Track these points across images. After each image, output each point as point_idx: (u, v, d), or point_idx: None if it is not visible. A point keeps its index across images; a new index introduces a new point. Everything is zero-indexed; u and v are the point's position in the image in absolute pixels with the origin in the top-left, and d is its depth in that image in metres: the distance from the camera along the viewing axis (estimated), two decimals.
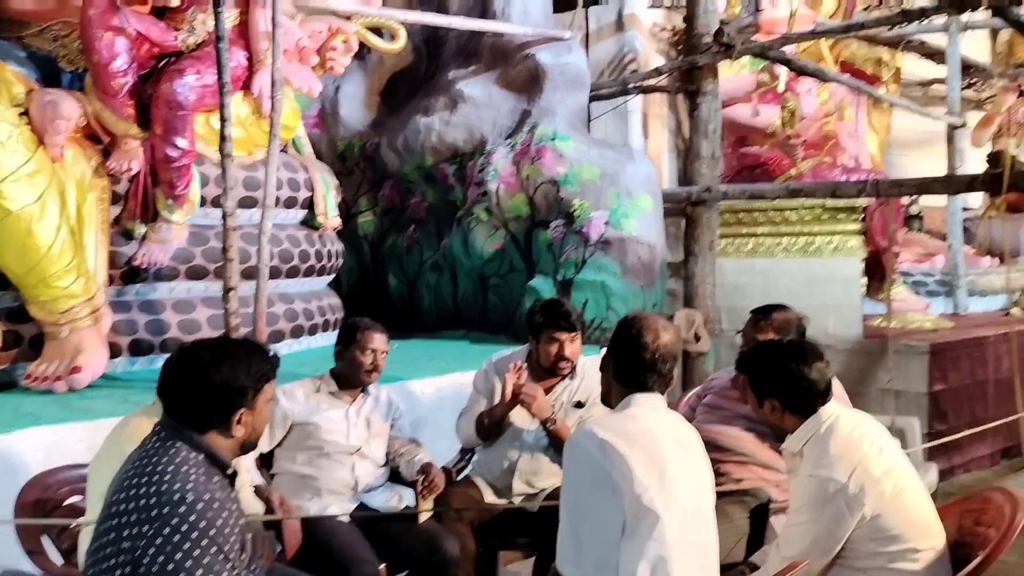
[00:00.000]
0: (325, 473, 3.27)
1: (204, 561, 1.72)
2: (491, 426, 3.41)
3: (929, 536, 2.33)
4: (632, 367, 2.14)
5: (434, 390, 4.24)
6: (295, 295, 5.07)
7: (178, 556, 1.70)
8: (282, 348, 4.92)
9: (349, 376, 3.35)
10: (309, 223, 5.24)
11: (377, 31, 5.62)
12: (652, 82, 6.46)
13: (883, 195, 5.45)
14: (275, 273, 4.91)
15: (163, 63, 4.57)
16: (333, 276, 5.63)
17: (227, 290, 4.14)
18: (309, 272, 5.18)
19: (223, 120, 4.13)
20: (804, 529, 2.32)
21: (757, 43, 5.71)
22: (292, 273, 5.04)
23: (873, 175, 6.88)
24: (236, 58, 4.57)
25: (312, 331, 5.11)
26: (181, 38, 4.64)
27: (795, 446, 2.44)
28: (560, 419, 3.34)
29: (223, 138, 4.14)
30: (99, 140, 4.32)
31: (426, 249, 6.40)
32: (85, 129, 4.27)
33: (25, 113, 3.97)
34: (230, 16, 4.73)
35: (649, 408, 2.11)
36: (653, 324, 2.17)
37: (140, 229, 4.37)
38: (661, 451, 2.01)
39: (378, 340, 3.32)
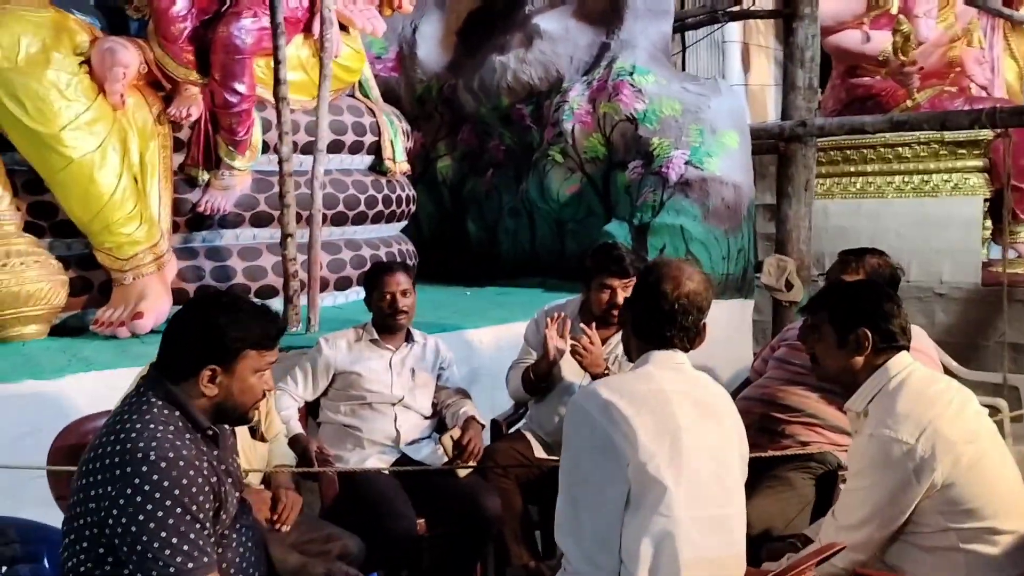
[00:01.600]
0: (367, 424, 3.20)
1: (169, 522, 1.64)
2: (537, 380, 3.25)
3: (1014, 516, 2.02)
4: (650, 320, 1.92)
5: (492, 340, 4.09)
6: (362, 241, 5.00)
7: (140, 517, 1.63)
8: (350, 295, 4.88)
9: (380, 322, 3.25)
10: (377, 168, 5.14)
11: None
12: (746, 6, 5.97)
13: (1001, 125, 4.87)
14: (340, 219, 4.86)
15: (225, 6, 4.51)
16: (405, 222, 5.53)
17: (284, 236, 4.11)
18: (377, 218, 5.10)
19: (277, 63, 4.06)
20: (863, 495, 2.06)
21: None
22: (359, 219, 4.96)
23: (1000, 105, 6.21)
24: None
25: None
26: None
27: (860, 404, 2.17)
28: (614, 372, 3.14)
29: (277, 81, 4.07)
30: (161, 87, 4.31)
31: (504, 194, 6.22)
32: (147, 76, 4.25)
33: (87, 62, 3.98)
34: None
35: (667, 366, 1.88)
36: (675, 271, 1.93)
37: (203, 176, 4.35)
38: (674, 414, 1.79)
39: (395, 282, 3.20)
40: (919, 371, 2.14)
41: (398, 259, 5.20)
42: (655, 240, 5.03)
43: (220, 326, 1.80)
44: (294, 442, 3.03)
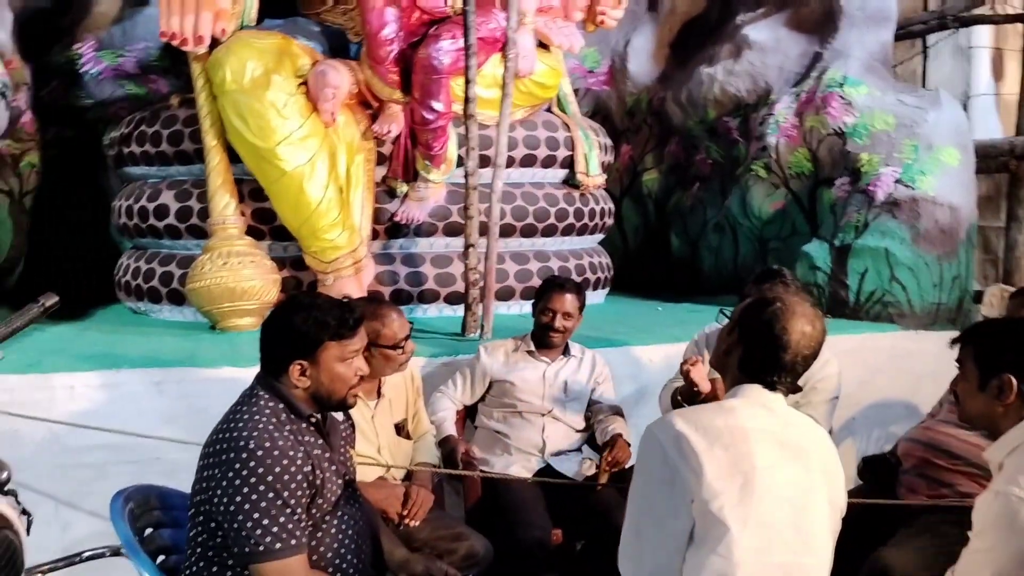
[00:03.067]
0: (516, 432, 3.31)
1: (261, 505, 1.83)
2: (686, 403, 3.18)
3: None
4: (763, 361, 1.83)
5: (662, 358, 4.03)
6: (551, 253, 5.12)
7: (238, 499, 1.84)
8: None
9: (538, 334, 3.33)
10: (570, 182, 5.24)
11: None
12: (981, 10, 5.40)
13: None
14: (529, 231, 5.01)
15: (433, 28, 4.82)
16: (601, 235, 5.58)
17: (467, 246, 4.32)
18: (568, 231, 5.19)
19: (467, 82, 4.28)
20: (983, 559, 1.86)
21: None
22: (549, 231, 5.09)
23: None
24: (496, 20, 4.64)
25: None
26: (450, 3, 4.83)
27: (998, 456, 1.96)
28: None
29: (467, 100, 4.29)
30: (369, 105, 4.69)
31: (709, 208, 6.09)
32: (358, 96, 4.66)
33: (305, 83, 4.44)
34: None
35: (755, 402, 1.80)
36: (800, 316, 1.83)
37: (402, 188, 4.69)
38: (751, 453, 1.71)
39: (561, 301, 3.26)
40: None
41: (589, 271, 5.27)
42: (856, 263, 4.70)
43: (297, 324, 1.98)
44: (444, 443, 3.20)
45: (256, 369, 3.49)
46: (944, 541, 2.47)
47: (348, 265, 4.43)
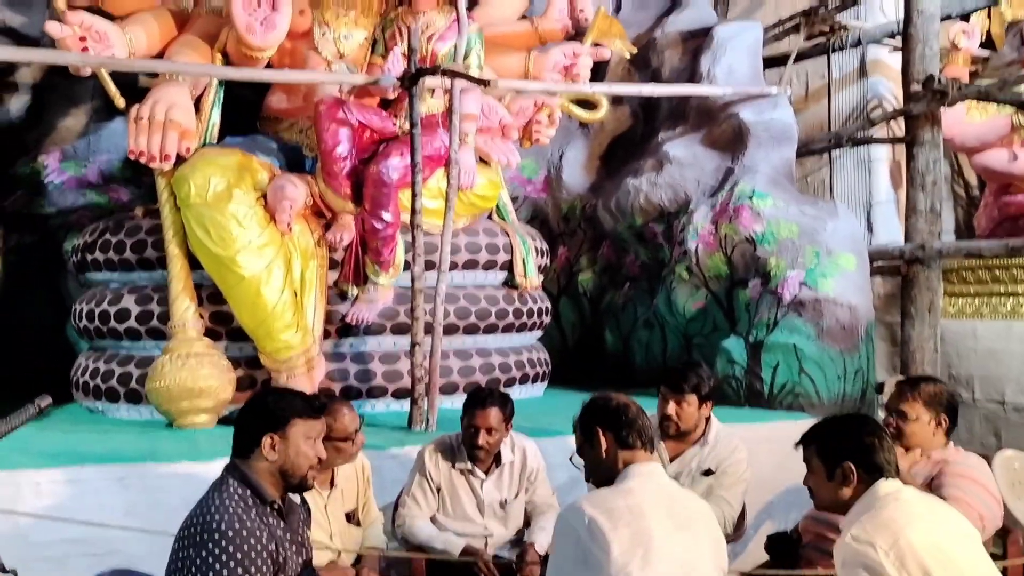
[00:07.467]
0: (460, 530, 3.52)
1: None
2: None
3: None
4: (620, 433, 2.26)
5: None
6: (493, 349, 5.48)
7: (211, 574, 2.11)
8: None
9: (467, 448, 3.47)
10: (509, 283, 5.65)
11: (583, 102, 5.94)
12: (871, 132, 6.09)
13: None
14: (472, 329, 5.38)
15: (383, 146, 5.27)
16: (539, 332, 5.97)
17: (413, 344, 4.67)
18: (508, 328, 5.58)
19: (414, 196, 4.71)
20: None
21: (974, 87, 5.19)
22: (490, 329, 5.46)
23: None
24: (440, 139, 5.11)
25: (509, 383, 5.46)
26: (399, 124, 5.30)
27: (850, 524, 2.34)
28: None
29: (413, 211, 4.71)
30: (323, 215, 5.08)
31: (639, 306, 6.54)
32: (313, 207, 5.05)
33: (264, 196, 4.82)
34: (440, 102, 5.33)
35: (647, 480, 2.16)
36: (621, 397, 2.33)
37: (353, 291, 5.05)
38: (648, 527, 2.06)
39: (484, 417, 3.38)
40: (910, 492, 2.27)
41: (528, 367, 5.63)
42: (769, 358, 5.16)
43: (270, 403, 2.36)
44: (465, 553, 3.35)
45: (214, 464, 3.77)
46: None
47: (301, 364, 4.73)
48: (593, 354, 6.89)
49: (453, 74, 4.80)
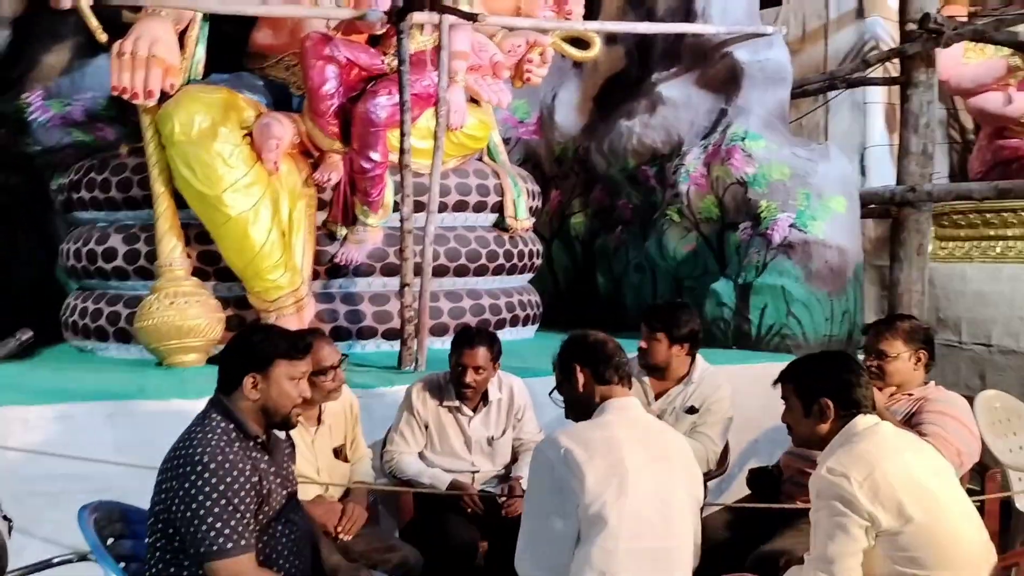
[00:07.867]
0: (448, 466, 3.56)
1: (214, 511, 2.14)
2: None
3: (959, 569, 2.14)
4: (598, 368, 2.28)
5: None
6: (483, 291, 5.49)
7: (194, 506, 2.14)
8: None
9: (455, 385, 3.50)
10: (500, 225, 5.62)
11: (575, 41, 5.84)
12: (867, 73, 6.01)
13: None
14: (462, 271, 5.38)
15: (371, 84, 5.19)
16: (530, 274, 5.97)
17: (403, 286, 4.66)
18: (499, 271, 5.57)
19: (402, 135, 4.65)
20: (814, 517, 2.28)
21: (969, 27, 5.11)
22: (480, 271, 5.46)
23: None
24: (429, 77, 5.04)
25: (499, 325, 5.47)
26: (387, 61, 5.21)
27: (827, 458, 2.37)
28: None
29: (402, 151, 4.66)
30: (311, 155, 5.03)
31: (631, 249, 6.53)
32: (300, 146, 4.99)
33: (250, 134, 4.76)
34: (429, 39, 5.23)
35: (623, 414, 2.18)
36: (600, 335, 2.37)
37: (341, 231, 5.02)
38: (623, 459, 2.08)
39: (471, 356, 3.40)
40: (887, 427, 2.30)
41: (519, 308, 5.64)
42: (757, 300, 5.18)
43: (254, 342, 2.34)
44: (453, 486, 3.41)
45: (203, 402, 3.79)
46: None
47: (290, 304, 4.73)
48: (585, 297, 6.91)
49: (442, 8, 4.71)
